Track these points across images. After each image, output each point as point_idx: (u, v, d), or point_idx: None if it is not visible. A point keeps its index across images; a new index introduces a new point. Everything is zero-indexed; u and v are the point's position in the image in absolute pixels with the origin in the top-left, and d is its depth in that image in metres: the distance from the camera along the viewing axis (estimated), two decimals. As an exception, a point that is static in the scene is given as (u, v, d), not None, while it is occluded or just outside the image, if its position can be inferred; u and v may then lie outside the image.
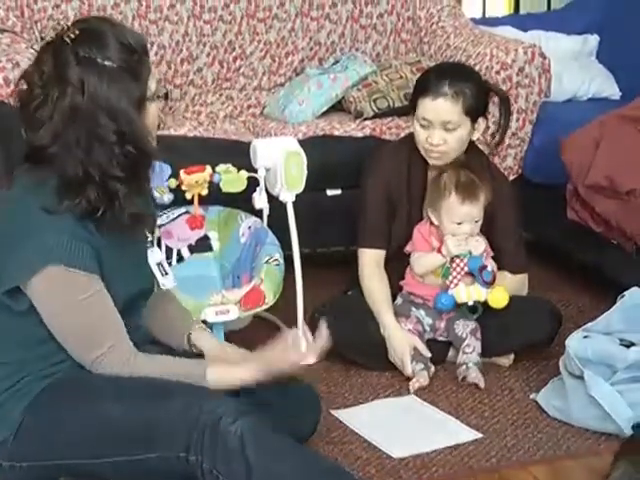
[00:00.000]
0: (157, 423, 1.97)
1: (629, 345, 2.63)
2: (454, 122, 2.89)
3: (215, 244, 3.12)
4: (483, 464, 2.50)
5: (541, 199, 3.59)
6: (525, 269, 3.09)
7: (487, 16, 5.37)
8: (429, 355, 2.91)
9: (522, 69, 3.60)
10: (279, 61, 3.99)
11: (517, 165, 3.69)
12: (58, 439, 2.02)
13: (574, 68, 4.06)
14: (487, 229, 2.98)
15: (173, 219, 3.06)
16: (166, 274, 2.21)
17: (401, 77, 3.77)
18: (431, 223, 2.95)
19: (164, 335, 2.26)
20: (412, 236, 2.97)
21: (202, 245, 3.10)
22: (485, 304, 2.90)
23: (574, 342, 2.65)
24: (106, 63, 1.96)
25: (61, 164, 1.98)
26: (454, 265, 2.88)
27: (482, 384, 2.86)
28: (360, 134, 3.56)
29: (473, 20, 4.24)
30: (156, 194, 2.76)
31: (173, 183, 2.94)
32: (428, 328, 2.97)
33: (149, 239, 2.22)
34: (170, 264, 2.91)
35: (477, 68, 3.43)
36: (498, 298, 2.89)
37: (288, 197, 3.02)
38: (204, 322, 2.76)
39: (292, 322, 2.99)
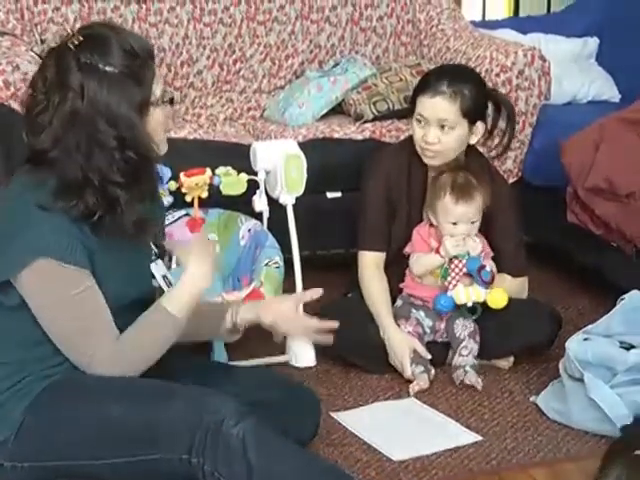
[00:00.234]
0: (159, 424, 1.97)
1: (629, 348, 2.63)
2: (450, 121, 2.89)
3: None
4: (483, 467, 2.50)
5: (541, 202, 3.59)
6: (525, 272, 3.09)
7: (487, 19, 5.38)
8: (429, 357, 2.91)
9: (522, 72, 3.60)
10: (279, 64, 3.99)
11: (517, 168, 3.69)
12: (59, 439, 2.02)
13: (574, 71, 4.06)
14: (487, 231, 2.98)
15: (173, 221, 3.06)
16: (171, 285, 2.21)
17: (401, 80, 3.77)
18: (430, 224, 2.95)
19: (191, 331, 2.22)
20: (412, 238, 2.98)
21: (202, 248, 3.10)
22: (484, 305, 2.91)
23: (574, 344, 2.65)
24: (107, 69, 1.98)
25: (61, 168, 2.00)
26: (452, 266, 2.89)
27: (480, 386, 2.86)
28: (360, 137, 3.56)
29: (473, 23, 4.24)
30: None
31: (173, 186, 2.94)
32: (428, 330, 2.97)
33: (154, 251, 2.22)
34: (170, 267, 2.91)
35: (477, 71, 3.43)
36: (497, 299, 2.89)
37: (288, 200, 3.03)
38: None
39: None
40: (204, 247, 2.19)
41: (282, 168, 2.98)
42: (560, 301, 3.36)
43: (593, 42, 4.27)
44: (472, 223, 2.90)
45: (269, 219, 3.09)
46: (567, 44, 4.21)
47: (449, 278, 2.89)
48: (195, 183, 2.97)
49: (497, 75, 3.59)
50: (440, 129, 2.90)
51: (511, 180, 3.62)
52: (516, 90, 3.59)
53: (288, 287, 2.91)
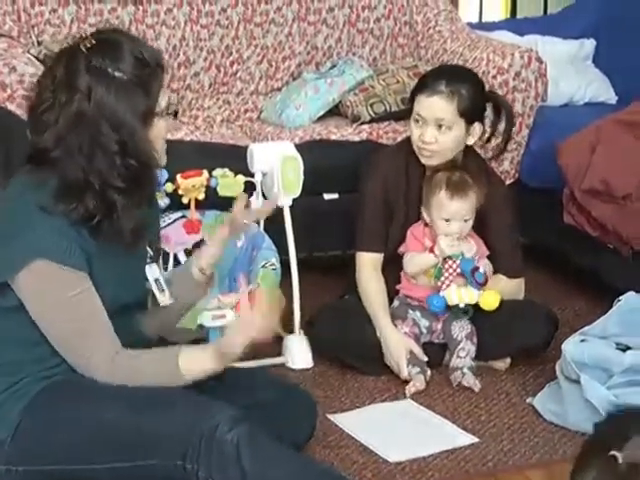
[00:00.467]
0: (154, 430, 1.97)
1: (625, 349, 2.63)
2: (447, 121, 2.89)
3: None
4: (479, 468, 2.50)
5: (537, 203, 3.59)
6: (521, 273, 3.09)
7: (484, 21, 5.39)
8: (425, 359, 2.91)
9: (519, 73, 3.60)
10: (276, 65, 3.99)
11: (514, 169, 3.69)
12: (55, 441, 2.02)
13: (570, 72, 4.07)
14: (484, 232, 2.99)
15: (170, 223, 3.06)
16: (163, 291, 2.21)
17: (398, 81, 3.77)
18: (425, 224, 2.96)
19: (166, 320, 2.23)
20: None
21: (198, 249, 3.10)
22: (476, 306, 2.91)
23: (570, 346, 2.66)
24: (116, 74, 1.99)
25: (63, 168, 2.00)
26: (446, 266, 2.89)
27: (477, 388, 2.86)
28: (357, 138, 3.57)
29: (470, 25, 4.24)
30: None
31: (170, 187, 2.94)
32: (425, 330, 2.97)
33: (150, 254, 2.22)
34: (166, 269, 2.91)
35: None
36: (489, 301, 2.89)
37: (285, 201, 3.03)
38: (200, 327, 2.77)
39: (288, 326, 2.99)
40: (251, 326, 2.08)
41: (279, 170, 2.99)
42: (556, 302, 3.36)
43: (590, 44, 4.27)
44: (465, 221, 2.90)
45: (266, 221, 3.09)
46: (564, 46, 4.22)
47: (442, 278, 2.88)
48: (192, 185, 2.97)
49: (494, 77, 3.59)
50: (437, 129, 2.91)
51: (508, 181, 3.62)
52: (513, 92, 3.60)
53: (284, 289, 2.91)
